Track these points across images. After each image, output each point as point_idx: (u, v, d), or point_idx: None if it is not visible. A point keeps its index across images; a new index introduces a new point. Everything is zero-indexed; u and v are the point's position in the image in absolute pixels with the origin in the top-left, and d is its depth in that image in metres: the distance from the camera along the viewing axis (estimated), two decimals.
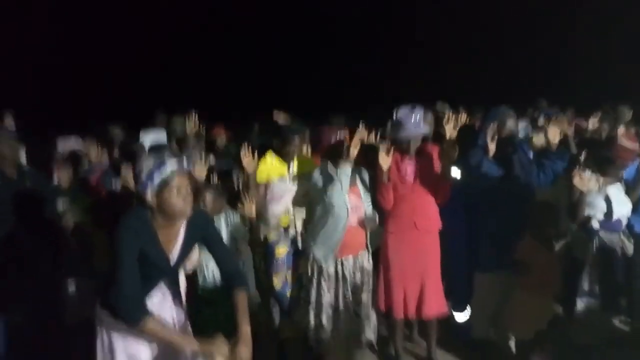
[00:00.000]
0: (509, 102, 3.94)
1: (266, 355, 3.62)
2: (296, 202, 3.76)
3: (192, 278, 3.30)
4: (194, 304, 3.13)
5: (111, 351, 2.37)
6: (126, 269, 2.10)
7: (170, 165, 2.13)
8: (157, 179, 2.12)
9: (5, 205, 3.47)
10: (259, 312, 3.78)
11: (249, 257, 3.81)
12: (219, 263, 2.42)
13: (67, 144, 4.51)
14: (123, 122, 5.35)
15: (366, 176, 3.65)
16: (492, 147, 3.55)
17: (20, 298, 3.58)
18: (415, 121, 3.42)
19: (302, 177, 3.68)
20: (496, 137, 3.55)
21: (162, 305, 2.41)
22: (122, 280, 2.10)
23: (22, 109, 4.71)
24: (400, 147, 3.51)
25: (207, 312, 3.24)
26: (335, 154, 3.53)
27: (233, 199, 3.58)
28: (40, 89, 11.51)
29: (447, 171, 3.43)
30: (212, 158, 4.43)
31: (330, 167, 3.53)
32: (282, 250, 3.84)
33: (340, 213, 3.45)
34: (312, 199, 3.57)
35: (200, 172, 3.58)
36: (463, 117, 3.61)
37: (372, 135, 3.84)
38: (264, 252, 3.83)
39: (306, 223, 3.76)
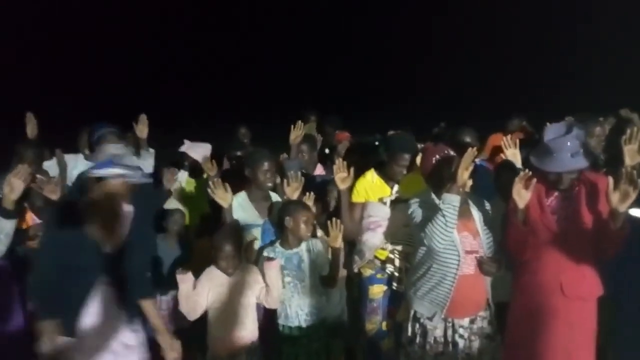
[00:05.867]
0: None
1: None
2: (394, 235, 2.97)
3: (272, 315, 2.93)
4: (274, 342, 2.93)
5: None
6: None
7: None
8: None
9: None
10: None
11: (342, 292, 3.26)
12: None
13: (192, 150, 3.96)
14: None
15: (485, 206, 2.73)
16: None
17: None
18: (572, 149, 2.32)
19: (405, 205, 2.79)
20: None
21: None
22: None
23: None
24: (546, 179, 2.44)
25: (288, 351, 2.92)
26: (438, 178, 2.60)
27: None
28: None
29: (618, 215, 2.29)
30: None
31: (431, 197, 2.61)
32: (377, 290, 3.20)
33: (447, 259, 2.55)
34: (414, 235, 2.69)
35: (293, 191, 3.07)
36: None
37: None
38: (357, 289, 3.33)
39: (409, 262, 2.94)
